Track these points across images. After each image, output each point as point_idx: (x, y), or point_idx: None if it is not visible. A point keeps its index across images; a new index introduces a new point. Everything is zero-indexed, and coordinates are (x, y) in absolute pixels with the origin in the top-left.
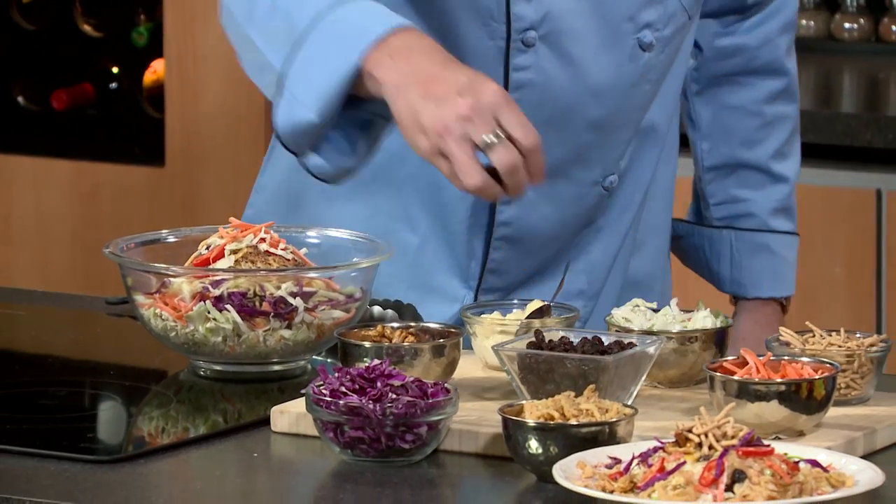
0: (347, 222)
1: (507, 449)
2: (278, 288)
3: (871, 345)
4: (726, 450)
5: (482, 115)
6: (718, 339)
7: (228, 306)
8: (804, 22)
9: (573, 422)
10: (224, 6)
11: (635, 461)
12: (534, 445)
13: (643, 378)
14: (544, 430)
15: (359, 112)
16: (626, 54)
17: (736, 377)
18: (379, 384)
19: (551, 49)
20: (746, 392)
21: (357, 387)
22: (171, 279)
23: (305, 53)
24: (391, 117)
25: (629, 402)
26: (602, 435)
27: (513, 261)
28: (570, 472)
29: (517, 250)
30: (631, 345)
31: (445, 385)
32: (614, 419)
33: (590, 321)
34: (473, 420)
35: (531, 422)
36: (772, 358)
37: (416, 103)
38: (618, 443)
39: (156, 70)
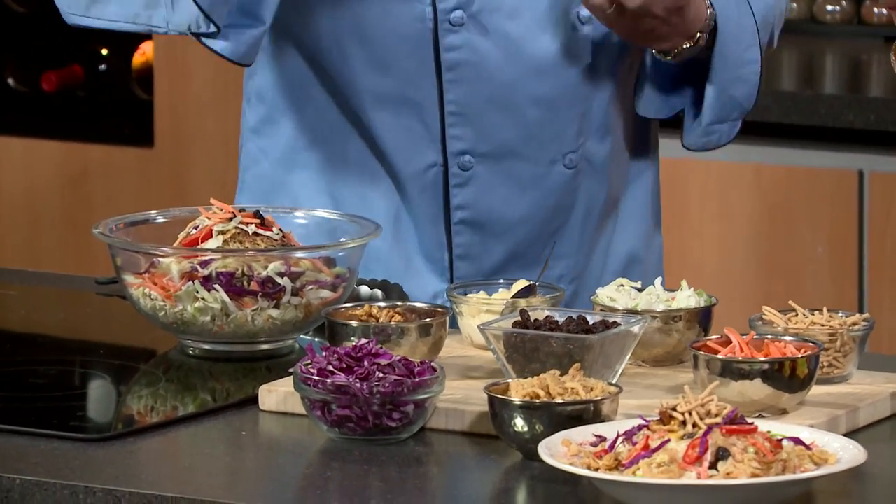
0: None
1: (493, 427)
2: (266, 268)
3: (854, 324)
4: (710, 428)
5: None
6: (702, 319)
7: (217, 286)
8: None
9: (558, 400)
10: None
11: (620, 439)
12: (519, 424)
13: (628, 357)
14: (530, 409)
15: None
16: (564, 29)
17: (720, 356)
18: (366, 363)
19: (482, 27)
20: (730, 370)
21: (344, 366)
22: (160, 259)
23: None
24: None
25: (614, 381)
26: (587, 413)
27: (479, 245)
28: (556, 449)
29: (482, 234)
30: (615, 324)
31: (432, 364)
32: (599, 397)
33: (575, 304)
34: (460, 398)
35: (517, 400)
36: (755, 337)
37: None
38: (602, 421)
39: (144, 52)
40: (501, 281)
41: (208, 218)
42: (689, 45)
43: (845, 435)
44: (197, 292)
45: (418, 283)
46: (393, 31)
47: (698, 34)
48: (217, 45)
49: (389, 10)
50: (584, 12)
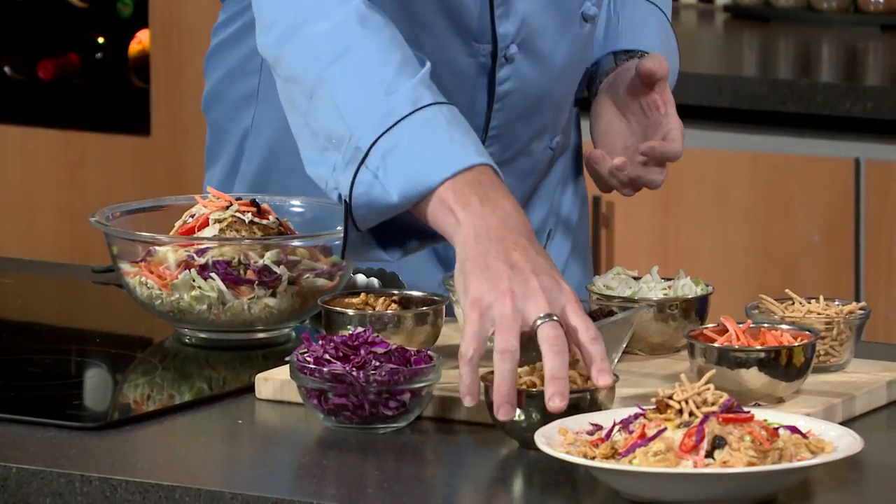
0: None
1: (489, 416)
2: (262, 256)
3: (850, 312)
4: (706, 416)
5: (548, 296)
6: (699, 307)
7: (213, 275)
8: None
9: None
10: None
11: (616, 428)
12: (516, 412)
13: (624, 345)
14: (526, 398)
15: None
16: (575, 32)
17: (716, 344)
18: (362, 351)
19: (526, 54)
20: (726, 359)
21: (341, 354)
22: (157, 248)
23: (401, 135)
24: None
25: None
26: (583, 402)
27: None
28: (552, 438)
29: None
30: (612, 312)
31: (428, 352)
32: (596, 386)
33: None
34: (456, 387)
35: None
36: (752, 325)
37: (489, 258)
38: (599, 409)
39: (141, 40)
40: None
41: (205, 206)
42: None
43: (842, 423)
44: (193, 281)
45: (419, 265)
46: (451, 69)
47: None
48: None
49: (451, 48)
50: (589, 11)
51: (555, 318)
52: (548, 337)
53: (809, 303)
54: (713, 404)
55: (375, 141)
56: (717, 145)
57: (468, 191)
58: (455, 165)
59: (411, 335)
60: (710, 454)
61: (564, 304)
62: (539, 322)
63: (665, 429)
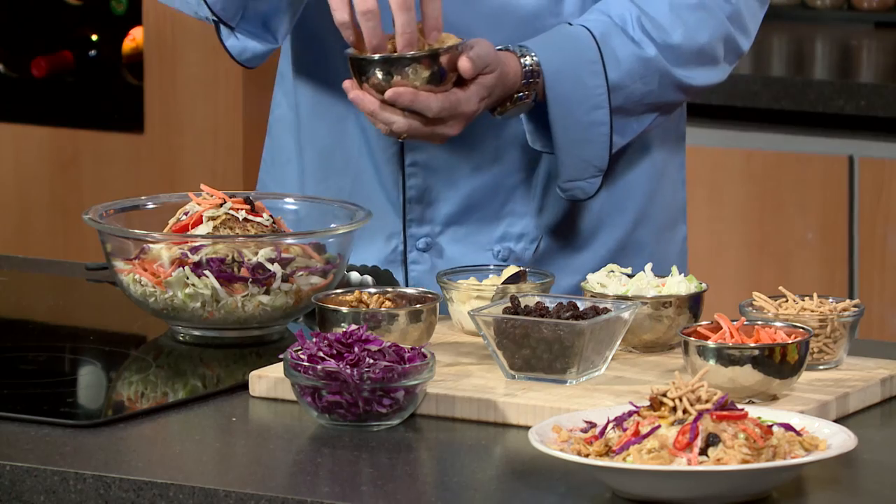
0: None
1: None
2: (256, 254)
3: (844, 310)
4: (700, 414)
5: None
6: (693, 305)
7: (207, 272)
8: None
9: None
10: None
11: (610, 425)
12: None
13: (618, 343)
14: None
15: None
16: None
17: (710, 342)
18: (356, 349)
19: None
20: (720, 356)
21: (334, 352)
22: (151, 245)
23: None
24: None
25: (604, 367)
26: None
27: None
28: (546, 436)
29: (436, 179)
30: (606, 310)
31: (422, 350)
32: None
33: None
34: (450, 385)
35: (376, 56)
36: (745, 323)
37: None
38: (445, 72)
39: (134, 38)
40: (492, 266)
41: (198, 204)
42: (510, 105)
43: (835, 421)
44: (187, 278)
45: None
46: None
47: (516, 95)
48: (228, 40)
49: None
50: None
51: None
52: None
53: (803, 300)
54: (707, 402)
55: None
56: (710, 143)
57: None
58: None
59: (405, 333)
60: (703, 452)
61: None
62: None
63: (659, 426)
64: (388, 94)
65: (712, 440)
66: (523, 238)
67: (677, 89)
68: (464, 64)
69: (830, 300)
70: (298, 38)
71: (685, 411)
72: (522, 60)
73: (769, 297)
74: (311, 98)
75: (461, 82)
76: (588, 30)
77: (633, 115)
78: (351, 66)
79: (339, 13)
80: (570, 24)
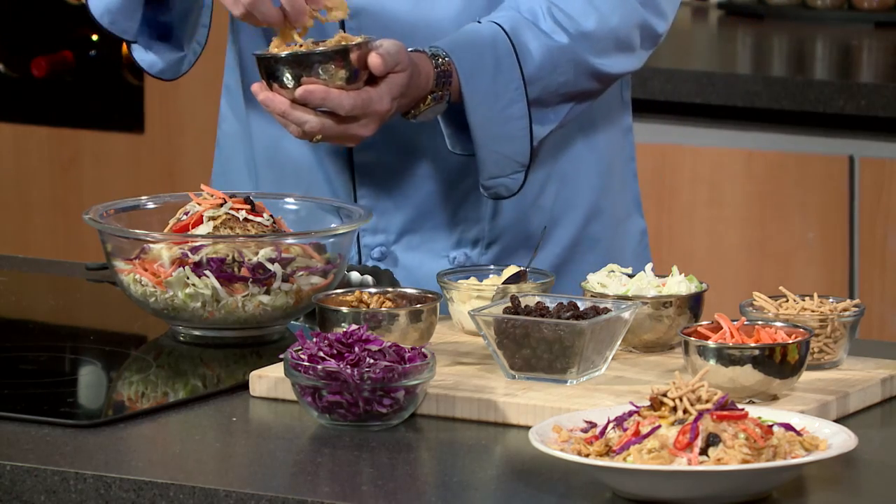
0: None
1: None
2: (256, 254)
3: (844, 309)
4: (701, 414)
5: None
6: (693, 304)
7: (207, 272)
8: None
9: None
10: None
11: (611, 425)
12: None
13: (618, 343)
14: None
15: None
16: None
17: (710, 342)
18: (357, 349)
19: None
20: (721, 356)
21: (335, 352)
22: (151, 245)
23: None
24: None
25: (604, 367)
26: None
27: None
28: (546, 436)
29: (386, 188)
30: (606, 310)
31: (422, 350)
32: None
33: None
34: (450, 384)
35: (282, 53)
36: (746, 322)
37: None
38: (357, 70)
39: None
40: (492, 267)
41: (199, 204)
42: (423, 107)
43: (836, 421)
44: (187, 278)
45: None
46: None
47: (430, 96)
48: (136, 53)
49: None
50: None
51: None
52: None
53: (804, 300)
54: (707, 402)
55: None
56: (711, 143)
57: None
58: None
59: (405, 333)
60: (704, 451)
61: None
62: None
63: (659, 426)
64: (299, 92)
65: (713, 440)
66: (479, 243)
67: (592, 78)
68: (374, 60)
69: (831, 300)
70: (238, 50)
71: (685, 411)
72: (434, 61)
73: (769, 297)
74: (258, 110)
75: (373, 81)
76: (499, 25)
77: (549, 107)
78: (259, 66)
79: (235, 9)
80: (480, 21)
